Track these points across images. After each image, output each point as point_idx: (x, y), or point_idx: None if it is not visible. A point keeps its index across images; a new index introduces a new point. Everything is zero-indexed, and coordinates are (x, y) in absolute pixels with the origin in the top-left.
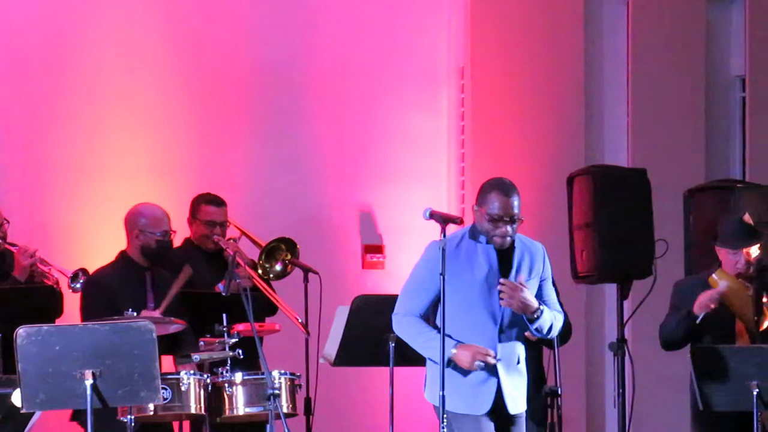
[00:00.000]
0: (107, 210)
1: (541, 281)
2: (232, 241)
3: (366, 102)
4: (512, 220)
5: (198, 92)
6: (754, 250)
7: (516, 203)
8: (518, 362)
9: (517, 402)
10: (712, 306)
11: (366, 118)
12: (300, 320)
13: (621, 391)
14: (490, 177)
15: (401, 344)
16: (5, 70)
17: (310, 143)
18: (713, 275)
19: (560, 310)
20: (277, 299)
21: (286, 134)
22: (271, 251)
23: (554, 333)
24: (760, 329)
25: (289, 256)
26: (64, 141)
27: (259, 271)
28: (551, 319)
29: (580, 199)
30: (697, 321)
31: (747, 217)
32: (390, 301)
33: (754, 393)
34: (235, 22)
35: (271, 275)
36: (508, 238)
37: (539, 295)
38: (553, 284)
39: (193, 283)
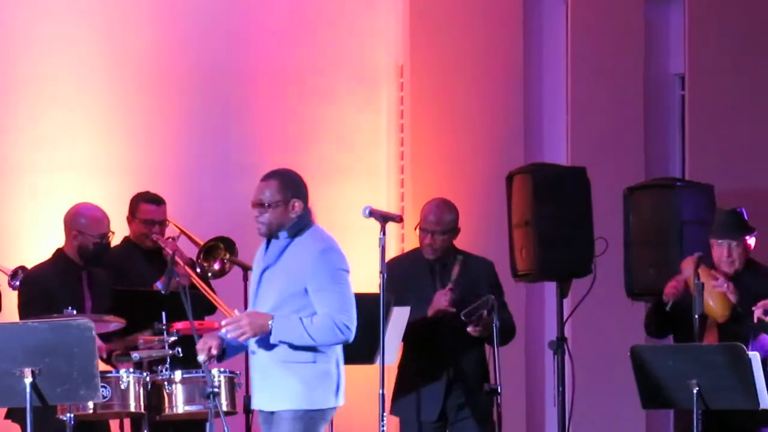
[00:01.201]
0: (45, 207)
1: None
2: (170, 239)
3: (304, 100)
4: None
5: (137, 89)
6: (744, 242)
7: (265, 191)
8: (285, 360)
9: (263, 398)
10: (677, 291)
11: (304, 116)
12: None
13: (561, 389)
14: (428, 175)
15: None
16: None
17: (249, 141)
18: (686, 261)
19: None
20: (215, 298)
21: (224, 132)
22: (209, 250)
23: (319, 341)
24: (721, 321)
25: (227, 255)
26: (1, 138)
27: (198, 270)
28: (298, 328)
29: (520, 197)
30: (667, 308)
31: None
32: None
33: (694, 391)
34: (173, 19)
35: (210, 274)
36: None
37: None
38: (498, 285)
39: (132, 281)
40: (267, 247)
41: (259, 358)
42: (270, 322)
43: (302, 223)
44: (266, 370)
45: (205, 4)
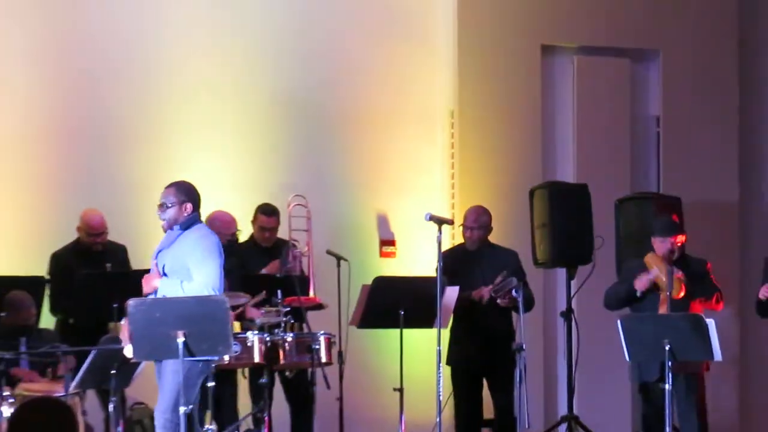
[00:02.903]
0: None
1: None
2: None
3: (380, 133)
4: None
5: (260, 122)
6: (680, 239)
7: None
8: None
9: None
10: (647, 286)
11: (380, 145)
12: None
13: (569, 347)
14: (471, 191)
15: (410, 307)
16: None
17: (339, 164)
18: (647, 257)
19: None
20: (312, 281)
21: (321, 155)
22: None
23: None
24: (677, 297)
25: (327, 249)
26: (153, 157)
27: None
28: (176, 287)
29: (539, 206)
30: (638, 294)
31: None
32: (399, 281)
33: (666, 348)
34: (290, 68)
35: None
36: None
37: None
38: (521, 269)
39: (253, 268)
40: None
41: None
42: (157, 282)
43: (191, 221)
44: None
45: (296, 48)
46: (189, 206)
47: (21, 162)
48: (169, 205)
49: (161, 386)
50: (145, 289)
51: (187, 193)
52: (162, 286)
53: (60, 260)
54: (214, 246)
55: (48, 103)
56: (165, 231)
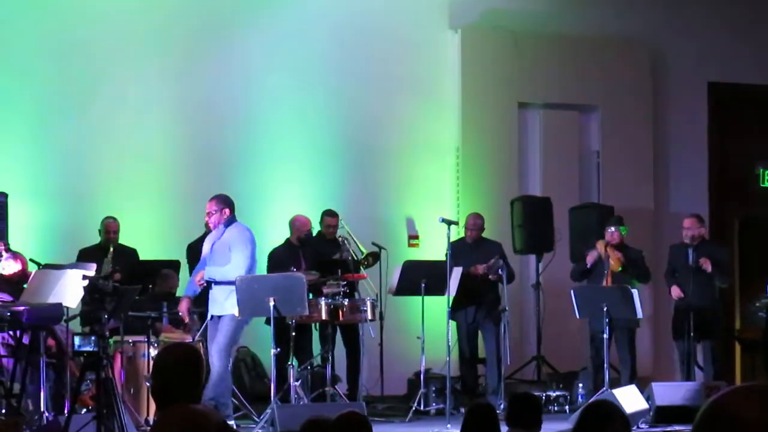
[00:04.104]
0: (279, 223)
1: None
2: (341, 237)
3: (406, 161)
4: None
5: (327, 153)
6: (621, 231)
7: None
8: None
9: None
10: (594, 260)
11: (407, 170)
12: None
13: (537, 308)
14: (471, 203)
15: (429, 281)
16: None
17: (377, 183)
18: (598, 241)
19: None
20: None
21: (362, 178)
22: (365, 258)
23: (229, 277)
24: (614, 270)
25: (371, 260)
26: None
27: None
28: (218, 272)
29: (517, 212)
30: (588, 267)
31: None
32: (421, 263)
33: (604, 309)
34: (326, 110)
35: (365, 251)
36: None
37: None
38: (504, 255)
39: (322, 255)
40: (211, 233)
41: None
42: (201, 273)
43: (230, 221)
44: (213, 293)
45: (353, 105)
46: (227, 211)
47: (164, 177)
48: (213, 212)
49: (220, 330)
50: (197, 279)
51: (224, 202)
52: (207, 273)
53: (192, 249)
54: (246, 238)
55: (183, 134)
56: (212, 230)
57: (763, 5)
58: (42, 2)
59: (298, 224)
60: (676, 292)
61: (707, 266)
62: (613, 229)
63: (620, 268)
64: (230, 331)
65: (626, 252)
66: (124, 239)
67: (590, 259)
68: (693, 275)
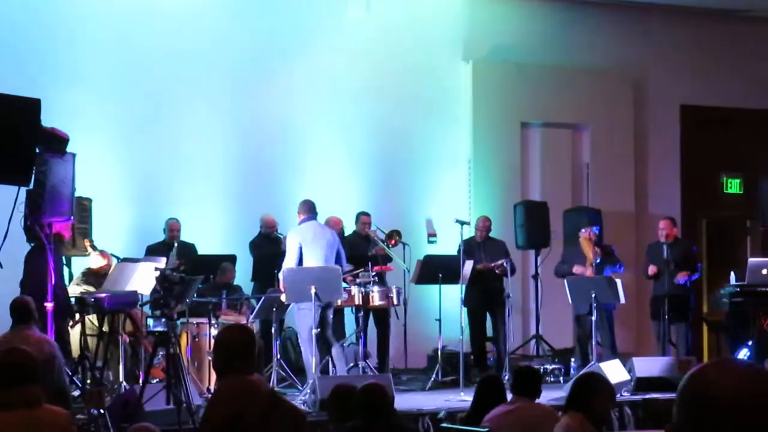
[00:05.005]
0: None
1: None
2: (374, 230)
3: (425, 171)
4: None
5: (358, 164)
6: (594, 230)
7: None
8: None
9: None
10: (654, 273)
11: (427, 179)
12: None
13: (536, 295)
14: (481, 207)
15: (445, 272)
16: None
17: (402, 190)
18: (580, 238)
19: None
20: (392, 256)
21: (391, 184)
22: (390, 235)
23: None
24: (593, 263)
25: (398, 237)
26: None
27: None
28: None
29: (519, 215)
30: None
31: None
32: (439, 257)
33: (593, 295)
34: (360, 128)
35: (391, 246)
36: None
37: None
38: (507, 251)
39: (356, 251)
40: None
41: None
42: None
43: (301, 223)
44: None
45: (381, 123)
46: (301, 215)
47: (222, 183)
48: (298, 213)
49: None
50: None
51: (300, 206)
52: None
53: (253, 244)
54: (291, 239)
55: (238, 148)
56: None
57: (719, 43)
58: (124, 39)
59: (331, 224)
60: (652, 269)
61: (682, 281)
62: (590, 229)
63: (598, 260)
64: (305, 318)
65: (603, 247)
66: (189, 237)
67: (578, 270)
68: (668, 268)
